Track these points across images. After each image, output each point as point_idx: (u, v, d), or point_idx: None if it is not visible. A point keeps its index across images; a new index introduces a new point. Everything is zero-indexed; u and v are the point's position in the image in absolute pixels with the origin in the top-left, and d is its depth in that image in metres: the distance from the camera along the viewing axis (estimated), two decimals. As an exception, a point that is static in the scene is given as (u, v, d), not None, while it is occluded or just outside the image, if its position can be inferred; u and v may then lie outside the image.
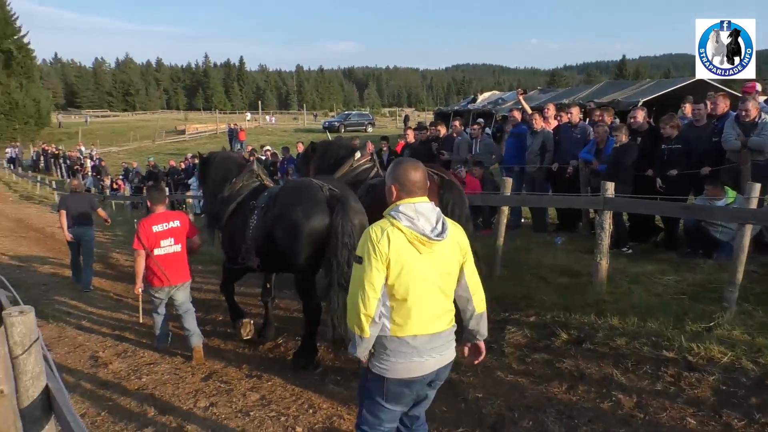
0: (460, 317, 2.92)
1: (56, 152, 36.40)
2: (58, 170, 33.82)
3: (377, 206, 3.36)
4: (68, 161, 32.79)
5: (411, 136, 11.47)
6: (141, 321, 6.52)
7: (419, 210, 2.67)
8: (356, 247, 2.82)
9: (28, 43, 54.41)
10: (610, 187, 5.76)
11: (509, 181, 7.26)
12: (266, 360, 5.61)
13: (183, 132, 52.10)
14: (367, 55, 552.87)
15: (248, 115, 64.15)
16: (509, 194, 7.18)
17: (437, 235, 2.65)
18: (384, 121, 60.34)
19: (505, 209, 7.10)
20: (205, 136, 49.59)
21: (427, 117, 48.31)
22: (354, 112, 54.41)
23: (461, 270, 2.83)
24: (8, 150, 39.66)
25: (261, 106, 77.94)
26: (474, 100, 27.48)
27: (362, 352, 2.71)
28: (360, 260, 2.66)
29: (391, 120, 61.94)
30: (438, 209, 2.78)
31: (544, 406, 4.11)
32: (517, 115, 10.26)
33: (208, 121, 60.10)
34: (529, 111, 10.49)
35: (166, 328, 6.03)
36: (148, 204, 6.11)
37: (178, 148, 39.89)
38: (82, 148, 36.77)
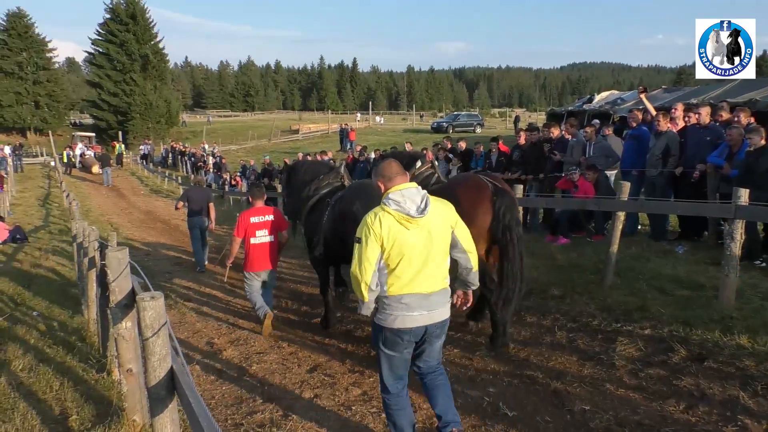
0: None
1: (183, 150, 39.20)
2: (184, 167, 36.32)
3: None
4: (193, 158, 35.22)
5: (523, 138, 11.21)
6: (225, 280, 8.49)
7: (405, 195, 3.27)
8: None
9: (163, 48, 58.47)
10: (744, 194, 5.30)
11: (627, 185, 6.86)
12: (368, 356, 5.69)
13: (297, 132, 54.30)
14: (478, 56, 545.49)
15: (358, 116, 65.57)
16: (626, 199, 6.80)
17: (419, 213, 3.22)
18: (494, 121, 59.47)
19: (621, 215, 6.73)
20: (317, 135, 51.34)
21: (539, 118, 46.99)
22: (463, 113, 53.88)
23: (454, 236, 3.44)
24: (142, 147, 43.42)
25: (371, 106, 79.39)
26: (590, 100, 26.24)
27: (366, 311, 3.38)
28: (359, 240, 3.27)
29: (500, 121, 60.92)
30: (424, 192, 3.35)
31: (658, 425, 3.85)
32: (639, 115, 9.67)
33: (320, 121, 62.22)
34: (653, 111, 9.85)
35: (262, 301, 6.63)
36: (249, 199, 6.97)
37: (292, 147, 41.57)
38: (206, 146, 39.34)
